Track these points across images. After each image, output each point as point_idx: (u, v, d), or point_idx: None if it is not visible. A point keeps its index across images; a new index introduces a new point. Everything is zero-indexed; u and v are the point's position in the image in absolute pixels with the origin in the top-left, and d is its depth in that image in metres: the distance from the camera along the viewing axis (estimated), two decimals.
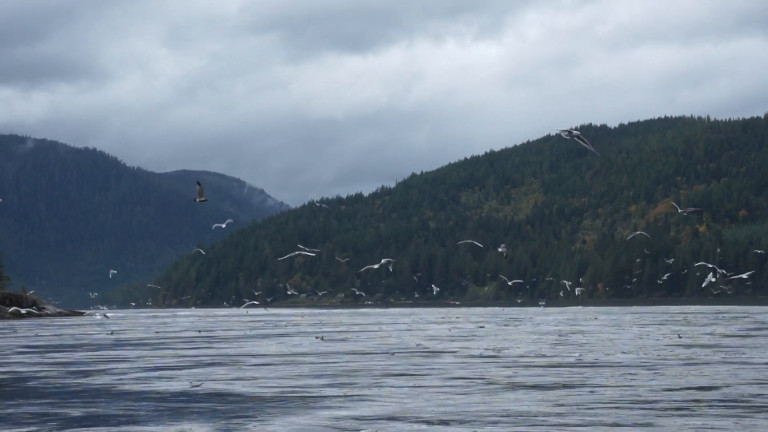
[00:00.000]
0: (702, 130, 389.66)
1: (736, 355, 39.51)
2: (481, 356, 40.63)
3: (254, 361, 40.97)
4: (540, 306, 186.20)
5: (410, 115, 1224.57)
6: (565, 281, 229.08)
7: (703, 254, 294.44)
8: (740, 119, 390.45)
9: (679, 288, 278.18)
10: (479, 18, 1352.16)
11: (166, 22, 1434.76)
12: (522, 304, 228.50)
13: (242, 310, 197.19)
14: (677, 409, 21.63)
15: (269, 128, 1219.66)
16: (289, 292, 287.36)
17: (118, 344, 61.02)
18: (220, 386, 28.80)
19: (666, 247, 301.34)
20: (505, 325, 79.45)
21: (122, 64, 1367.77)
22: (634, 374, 30.12)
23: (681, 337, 51.34)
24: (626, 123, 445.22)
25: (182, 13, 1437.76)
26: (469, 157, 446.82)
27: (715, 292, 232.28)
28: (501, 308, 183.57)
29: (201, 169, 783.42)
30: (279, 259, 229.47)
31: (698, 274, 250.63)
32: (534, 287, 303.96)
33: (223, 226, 70.70)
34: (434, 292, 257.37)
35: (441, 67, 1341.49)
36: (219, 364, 39.93)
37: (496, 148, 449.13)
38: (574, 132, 29.81)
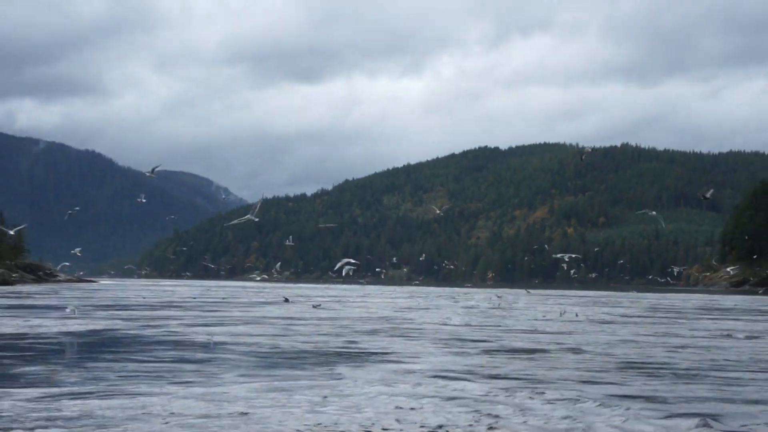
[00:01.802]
0: (573, 154, 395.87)
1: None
2: (467, 325, 39.83)
3: (283, 323, 37.86)
4: (466, 287, 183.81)
5: (348, 133, 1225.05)
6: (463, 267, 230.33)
7: (570, 251, 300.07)
8: (602, 147, 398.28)
9: (550, 276, 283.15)
10: (404, 59, 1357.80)
11: (156, 52, 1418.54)
12: (439, 285, 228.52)
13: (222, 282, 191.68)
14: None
15: (236, 140, 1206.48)
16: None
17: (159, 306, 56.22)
18: (282, 342, 27.86)
19: (541, 244, 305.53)
20: (455, 301, 77.81)
21: (121, 84, 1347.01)
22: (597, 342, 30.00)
23: (578, 316, 47.12)
24: (515, 146, 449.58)
25: (170, 46, 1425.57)
26: (391, 168, 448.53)
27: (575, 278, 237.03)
28: (429, 287, 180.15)
29: (179, 170, 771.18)
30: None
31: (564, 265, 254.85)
32: (438, 273, 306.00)
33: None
34: (363, 275, 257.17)
35: (374, 96, 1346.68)
36: (255, 323, 37.63)
37: (413, 162, 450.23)
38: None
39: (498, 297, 79.72)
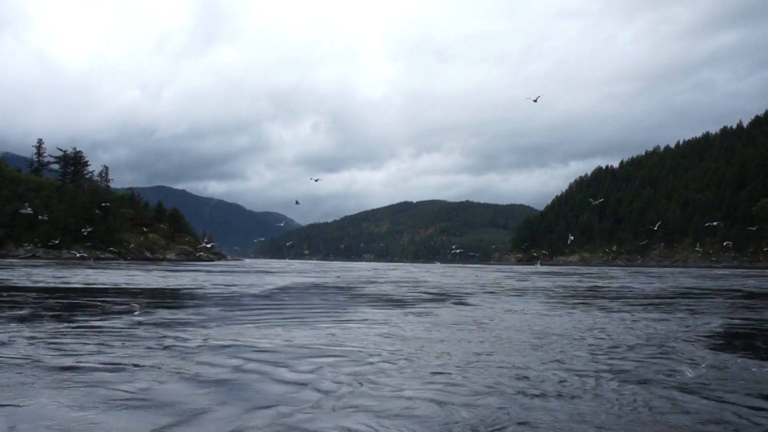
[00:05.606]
0: (446, 205, 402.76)
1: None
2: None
3: (383, 280, 22.28)
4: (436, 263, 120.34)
5: (349, 196, 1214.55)
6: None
7: (449, 247, 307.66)
8: (458, 201, 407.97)
9: (441, 259, 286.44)
10: (373, 163, 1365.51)
11: (267, 160, 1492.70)
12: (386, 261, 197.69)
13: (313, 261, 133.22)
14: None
15: (299, 197, 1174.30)
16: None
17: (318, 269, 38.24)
18: (411, 292, 14.82)
19: (433, 244, 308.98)
20: (434, 271, 41.76)
21: (251, 175, 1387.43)
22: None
23: (477, 277, 26.97)
24: (421, 201, 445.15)
25: (273, 157, 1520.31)
26: (365, 210, 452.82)
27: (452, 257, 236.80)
28: (395, 263, 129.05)
29: (274, 211, 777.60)
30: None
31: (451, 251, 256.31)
32: (387, 257, 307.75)
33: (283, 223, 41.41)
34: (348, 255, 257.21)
35: (360, 180, 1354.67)
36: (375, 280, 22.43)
37: (374, 207, 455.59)
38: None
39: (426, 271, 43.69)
